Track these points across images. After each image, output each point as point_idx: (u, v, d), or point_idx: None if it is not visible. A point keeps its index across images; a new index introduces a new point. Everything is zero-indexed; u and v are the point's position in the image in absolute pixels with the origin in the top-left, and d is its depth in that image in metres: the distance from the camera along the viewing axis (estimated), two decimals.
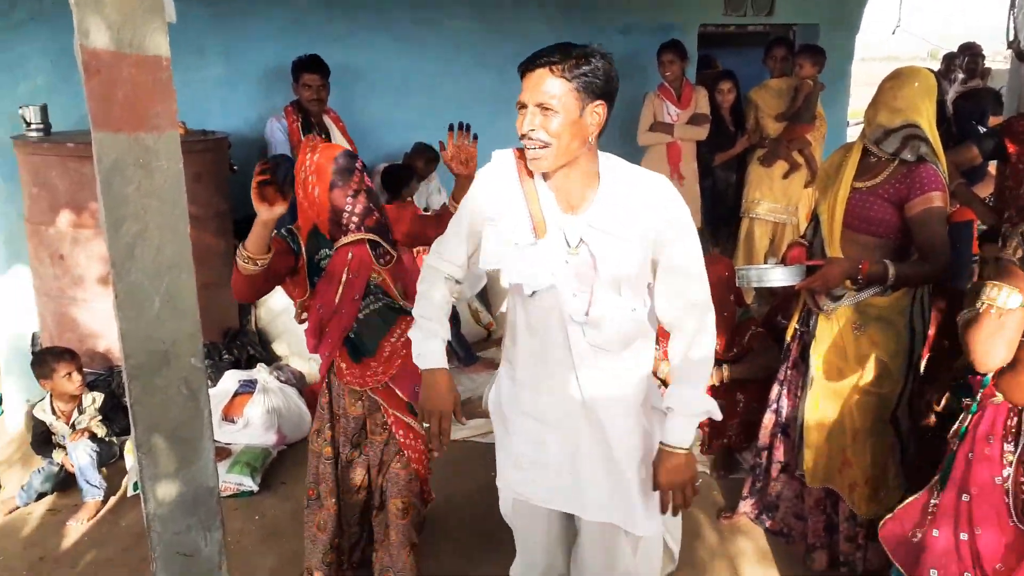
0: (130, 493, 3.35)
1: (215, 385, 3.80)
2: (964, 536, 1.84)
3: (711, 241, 5.48)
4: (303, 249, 2.36)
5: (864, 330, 2.57)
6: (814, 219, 2.79)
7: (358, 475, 2.53)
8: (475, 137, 2.49)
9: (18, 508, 3.30)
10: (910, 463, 2.68)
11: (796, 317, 2.84)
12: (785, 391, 2.86)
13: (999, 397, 1.83)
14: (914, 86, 2.49)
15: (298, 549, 2.94)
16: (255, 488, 3.35)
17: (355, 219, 2.30)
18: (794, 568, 2.84)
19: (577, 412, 1.90)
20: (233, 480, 3.32)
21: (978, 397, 1.87)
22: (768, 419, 2.92)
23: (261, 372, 3.85)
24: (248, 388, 3.73)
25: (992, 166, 3.80)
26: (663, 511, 1.88)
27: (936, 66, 6.39)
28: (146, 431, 1.45)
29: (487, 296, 5.03)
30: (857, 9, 6.79)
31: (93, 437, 3.39)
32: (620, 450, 1.91)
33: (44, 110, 3.83)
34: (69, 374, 3.39)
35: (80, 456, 3.27)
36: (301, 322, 2.50)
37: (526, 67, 1.70)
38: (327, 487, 2.51)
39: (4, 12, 3.94)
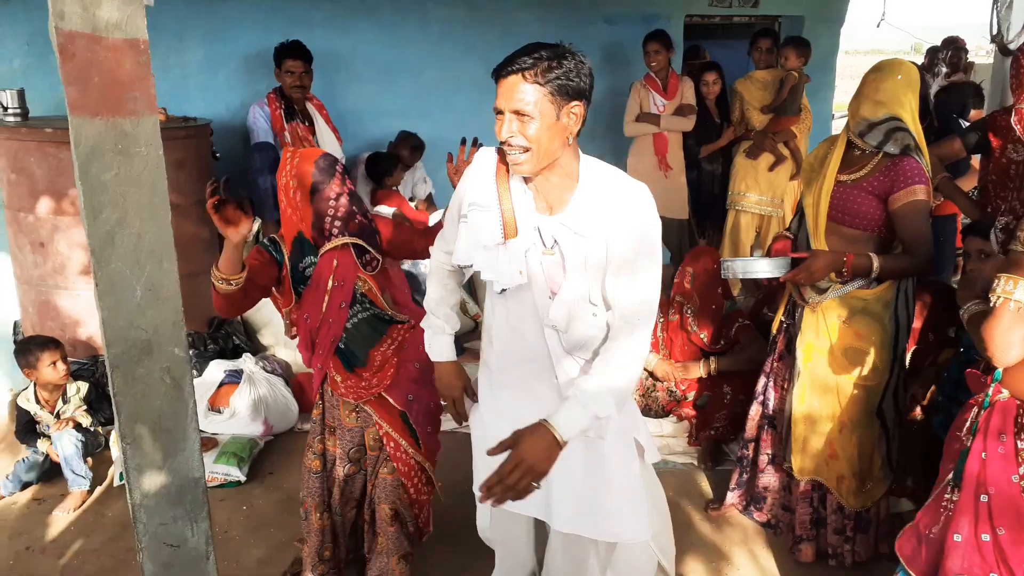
0: (116, 483, 3.32)
1: (200, 375, 3.78)
2: (986, 537, 1.78)
3: (697, 232, 5.50)
4: (287, 258, 2.32)
5: (849, 323, 2.59)
6: (799, 212, 2.80)
7: (356, 490, 2.50)
8: (475, 139, 2.43)
9: (3, 498, 3.26)
10: (895, 455, 2.71)
11: (782, 310, 2.85)
12: (771, 383, 2.88)
13: (1005, 393, 1.79)
14: (896, 79, 2.49)
15: (286, 539, 2.95)
16: (242, 478, 3.33)
17: (338, 224, 2.26)
18: (782, 560, 2.86)
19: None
20: (220, 470, 3.31)
21: (989, 392, 1.84)
22: (755, 411, 2.94)
23: (247, 362, 3.82)
24: (234, 378, 3.71)
25: (975, 160, 3.81)
26: (495, 479, 1.68)
27: (920, 59, 6.41)
28: (129, 421, 1.44)
29: (474, 288, 5.02)
30: (842, 2, 6.81)
31: (78, 427, 3.36)
32: (599, 456, 1.91)
33: (21, 94, 3.78)
34: (54, 363, 3.36)
35: (65, 446, 3.24)
36: (292, 337, 2.46)
37: (499, 73, 1.69)
38: (313, 501, 2.50)
39: None
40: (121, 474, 3.31)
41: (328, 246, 2.26)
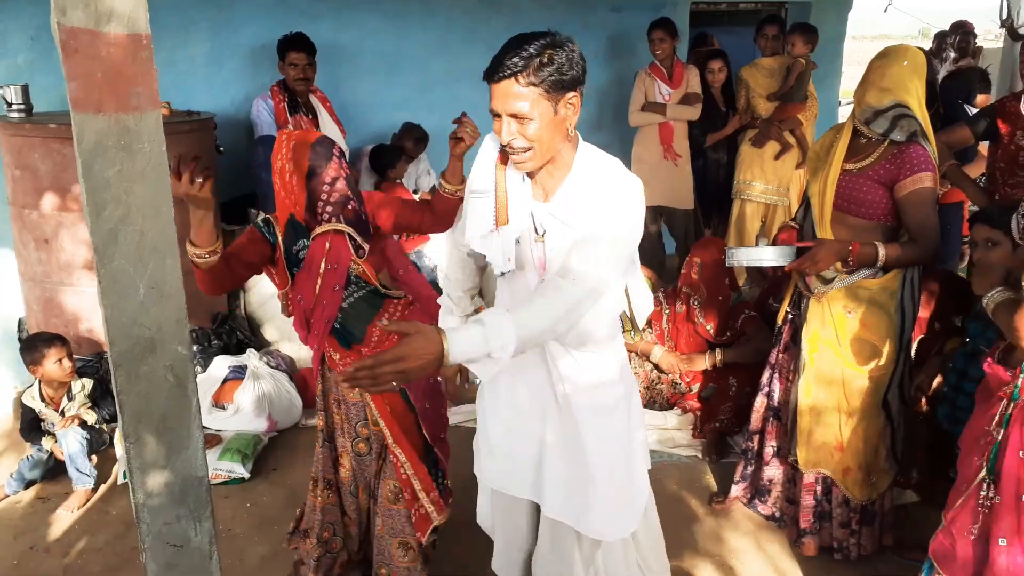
0: (120, 481, 3.33)
1: (204, 371, 3.77)
2: None
3: (703, 222, 5.46)
4: (280, 240, 2.31)
5: (855, 313, 2.56)
6: (805, 201, 2.77)
7: (369, 471, 2.48)
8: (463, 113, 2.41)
9: (7, 496, 3.27)
10: (900, 446, 2.69)
11: (787, 300, 2.83)
12: (777, 375, 2.86)
13: None
14: (902, 65, 2.46)
15: None
16: (246, 475, 3.33)
17: (331, 208, 2.23)
18: (786, 553, 2.85)
19: (551, 406, 1.93)
20: (224, 467, 3.30)
21: (1020, 384, 1.80)
22: (760, 403, 2.92)
23: (251, 357, 3.82)
24: (238, 374, 3.70)
25: (983, 147, 3.77)
26: (370, 362, 1.53)
27: (928, 44, 6.36)
28: (133, 420, 1.43)
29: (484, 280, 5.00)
30: None
31: (83, 424, 3.36)
32: (592, 451, 1.90)
33: (25, 90, 3.76)
34: (60, 360, 3.35)
35: (70, 443, 3.24)
36: (289, 315, 2.46)
37: (490, 77, 1.67)
38: (315, 476, 2.51)
39: None
40: (125, 472, 3.30)
41: (320, 230, 2.23)
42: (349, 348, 2.34)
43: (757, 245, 2.64)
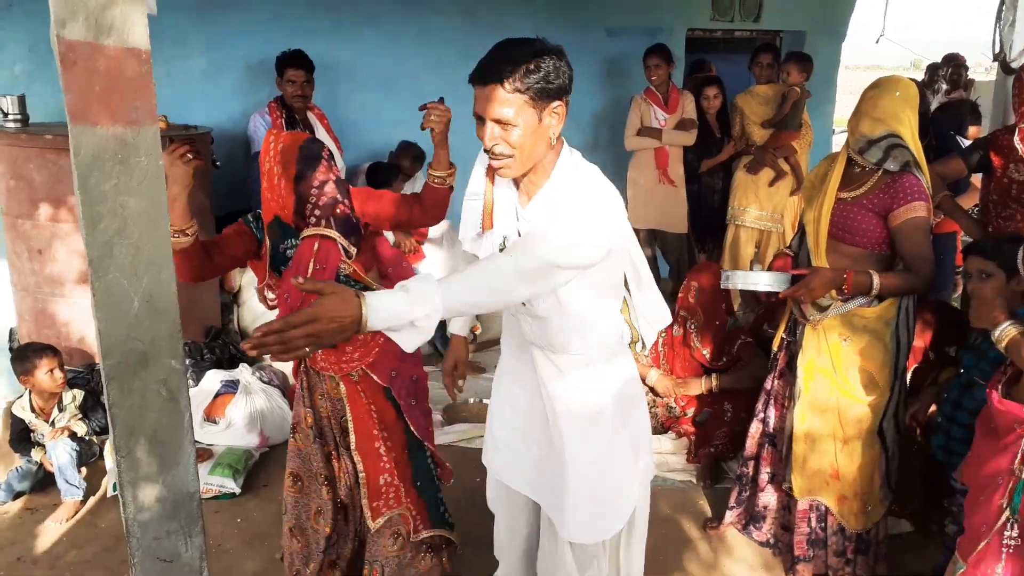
0: (110, 493, 3.30)
1: (197, 384, 3.75)
2: None
3: (697, 247, 5.49)
4: (266, 237, 2.30)
5: (851, 341, 2.58)
6: (800, 229, 2.80)
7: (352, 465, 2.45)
8: (440, 99, 2.40)
9: None
10: (895, 475, 2.70)
11: (783, 327, 2.84)
12: (772, 401, 2.87)
13: None
14: (895, 95, 2.49)
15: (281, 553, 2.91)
16: (237, 490, 3.30)
17: (319, 211, 2.22)
18: None
19: (540, 408, 1.99)
20: (215, 482, 3.28)
21: None
22: (755, 429, 2.93)
23: (244, 372, 3.80)
24: (230, 388, 3.69)
25: (976, 178, 3.81)
26: (278, 324, 1.42)
27: (920, 75, 6.42)
28: (125, 434, 1.42)
29: None
30: (843, 17, 6.83)
31: (73, 436, 3.34)
32: (570, 460, 1.93)
33: (22, 100, 3.76)
34: (51, 371, 3.34)
35: (60, 455, 3.22)
36: (269, 307, 2.45)
37: (475, 80, 1.67)
38: (291, 470, 2.51)
39: None
40: (115, 485, 3.28)
41: (307, 232, 2.22)
42: (333, 346, 2.31)
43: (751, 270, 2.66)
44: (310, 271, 2.22)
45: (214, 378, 3.77)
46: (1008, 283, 2.28)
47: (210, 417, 3.60)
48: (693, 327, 3.65)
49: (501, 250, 1.81)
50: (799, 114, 4.92)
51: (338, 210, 2.24)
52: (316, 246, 2.22)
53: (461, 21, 5.30)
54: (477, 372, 4.47)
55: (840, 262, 2.55)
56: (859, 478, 2.62)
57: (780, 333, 2.84)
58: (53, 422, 3.40)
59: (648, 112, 5.07)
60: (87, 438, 3.42)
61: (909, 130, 2.47)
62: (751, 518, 2.98)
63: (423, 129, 2.31)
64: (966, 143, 4.02)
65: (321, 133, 4.44)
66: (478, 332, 4.94)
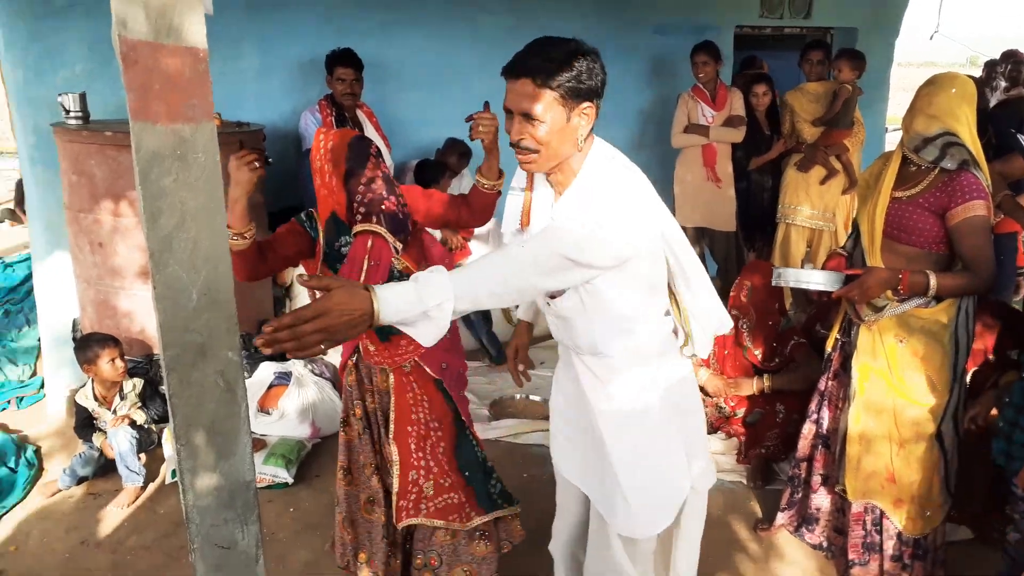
0: (168, 480, 3.39)
1: (250, 376, 3.83)
2: None
3: (745, 245, 5.41)
4: (321, 236, 2.34)
5: (907, 342, 2.53)
6: (854, 230, 2.74)
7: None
8: (486, 104, 2.41)
9: (60, 491, 3.36)
10: (954, 480, 2.64)
11: (837, 327, 2.79)
12: (826, 402, 2.83)
13: None
14: (950, 92, 2.43)
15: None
16: (290, 480, 3.37)
17: (365, 207, 2.25)
18: None
19: (582, 402, 1.99)
20: (268, 472, 3.35)
21: None
22: (808, 430, 2.89)
23: (296, 364, 3.87)
24: (283, 380, 3.76)
25: None
26: (288, 320, 1.43)
27: (976, 72, 6.21)
28: (184, 424, 1.45)
29: None
30: (897, 13, 6.67)
31: (133, 424, 3.44)
32: (612, 455, 1.93)
33: (83, 98, 3.86)
34: (113, 360, 3.45)
35: (121, 442, 3.32)
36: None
37: (508, 73, 1.68)
38: (343, 463, 2.54)
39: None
40: (173, 472, 3.37)
41: (358, 229, 2.25)
42: (387, 340, 2.36)
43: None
44: (364, 267, 2.25)
45: (267, 370, 3.84)
46: None
47: (263, 408, 3.68)
48: (745, 327, 3.61)
49: None
50: (851, 112, 4.82)
51: (385, 206, 2.27)
52: (370, 243, 2.25)
53: (509, 19, 5.31)
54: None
55: (896, 262, 2.50)
56: (916, 482, 2.57)
57: (834, 333, 2.79)
58: (114, 410, 3.51)
59: (695, 109, 5.02)
60: (146, 426, 3.53)
61: (967, 128, 2.41)
62: (803, 520, 2.94)
63: (472, 139, 2.32)
64: None
65: (370, 131, 4.49)
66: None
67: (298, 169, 4.36)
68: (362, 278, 2.26)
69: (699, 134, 4.98)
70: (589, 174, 1.76)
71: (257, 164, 2.16)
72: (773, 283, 2.63)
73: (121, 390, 3.54)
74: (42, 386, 4.30)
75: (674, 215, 5.65)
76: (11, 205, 8.80)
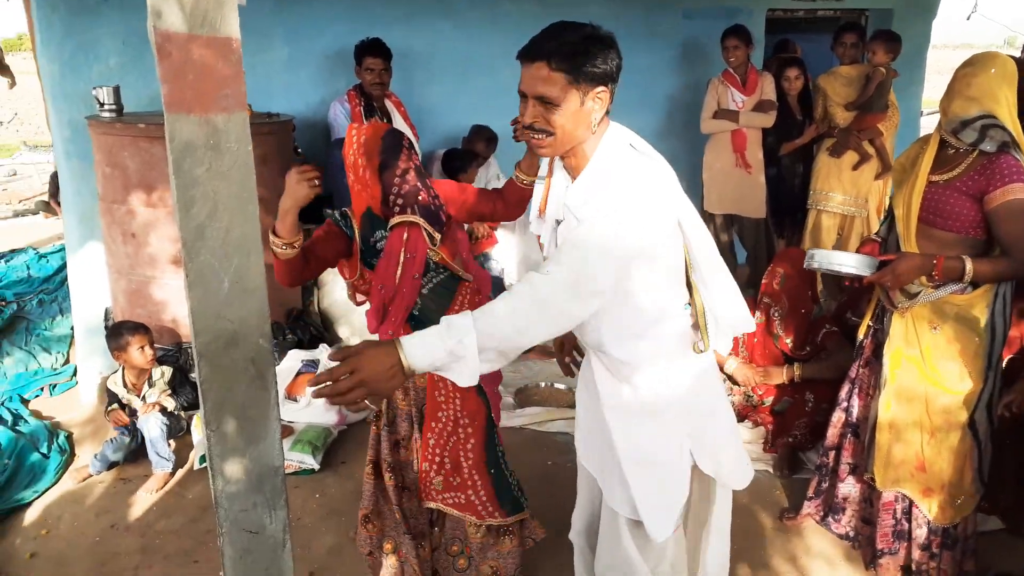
0: (197, 466, 3.45)
1: (278, 364, 3.88)
2: None
3: (775, 232, 5.34)
4: (357, 233, 2.35)
5: (941, 329, 2.47)
6: (889, 215, 2.69)
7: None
8: None
9: (91, 476, 3.42)
10: (987, 469, 2.58)
11: (870, 313, 2.74)
12: (856, 390, 2.78)
13: None
14: (990, 73, 2.36)
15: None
16: (316, 467, 3.41)
17: (403, 199, 2.26)
18: (860, 574, 2.77)
19: (595, 393, 1.96)
20: (295, 458, 3.39)
21: None
22: (837, 418, 2.84)
23: (323, 352, 3.91)
24: (311, 367, 3.80)
25: None
26: (325, 375, 1.53)
27: (1015, 53, 6.06)
28: (215, 409, 1.48)
29: None
30: None
31: (163, 410, 3.50)
32: (620, 447, 1.90)
33: (117, 91, 3.92)
34: (142, 347, 3.51)
35: (151, 428, 3.38)
36: (358, 304, 2.50)
37: (523, 56, 1.68)
38: (372, 458, 2.55)
39: None
40: (201, 458, 3.42)
41: (395, 221, 2.26)
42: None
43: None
44: (401, 260, 2.27)
45: (295, 357, 3.88)
46: None
47: (291, 395, 3.72)
48: (777, 315, 3.57)
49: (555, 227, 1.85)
50: (885, 95, 4.72)
51: (421, 197, 2.29)
52: (406, 236, 2.27)
53: (534, 8, 5.28)
54: (549, 356, 4.48)
55: (931, 247, 2.45)
56: (947, 470, 2.52)
57: (867, 320, 2.74)
58: (144, 397, 3.57)
59: (725, 94, 4.96)
60: (176, 413, 3.59)
61: (1007, 109, 2.35)
62: (830, 509, 2.91)
63: (517, 141, 2.32)
64: None
65: (398, 120, 4.51)
66: None
67: (327, 159, 4.39)
68: (399, 272, 2.27)
69: (728, 119, 4.92)
70: (603, 158, 1.74)
71: (316, 183, 2.19)
72: (805, 265, 2.59)
73: (150, 378, 3.60)
74: (74, 374, 4.39)
75: (702, 202, 5.53)
76: (46, 198, 8.97)
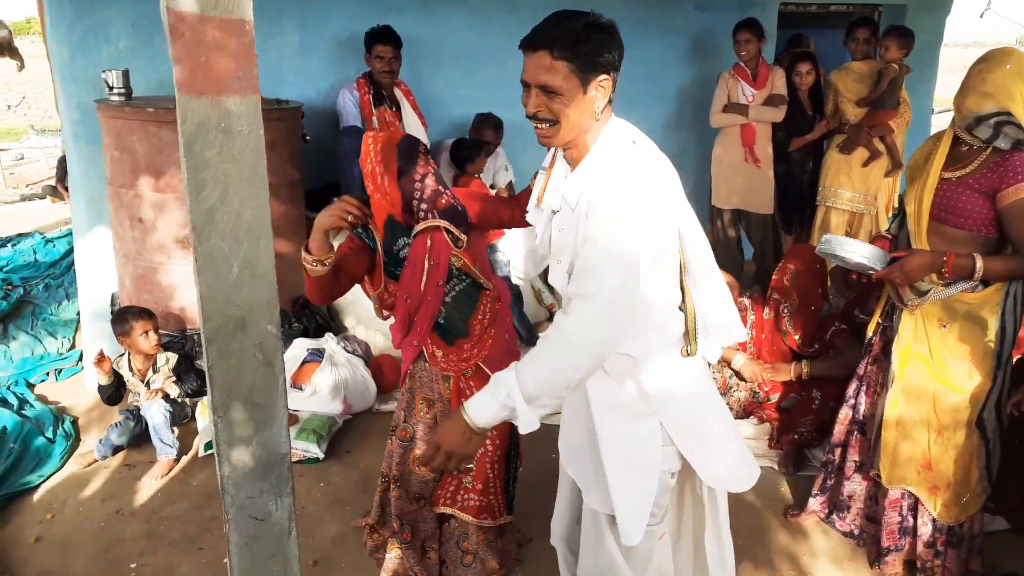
0: (201, 453, 3.45)
1: (284, 352, 3.87)
2: None
3: (783, 228, 5.31)
4: (379, 244, 2.34)
5: (951, 327, 2.46)
6: (900, 212, 2.67)
7: None
8: None
9: (96, 461, 3.43)
10: (995, 468, 2.57)
11: (879, 311, 2.73)
12: (864, 387, 2.77)
13: None
14: (1005, 69, 2.34)
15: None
16: (321, 455, 3.41)
17: (425, 204, 2.27)
18: (864, 572, 2.76)
19: (583, 390, 1.91)
20: (300, 446, 3.39)
21: None
22: (844, 415, 2.83)
23: (329, 341, 3.90)
24: (316, 357, 3.79)
25: None
26: (423, 460, 1.78)
27: None
28: (222, 395, 1.47)
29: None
30: None
31: (167, 397, 3.50)
32: (603, 443, 1.88)
33: (126, 75, 3.90)
34: (146, 332, 3.51)
35: (155, 415, 3.38)
36: (385, 318, 2.49)
37: (525, 46, 1.67)
38: (388, 471, 2.56)
39: None
40: (206, 445, 3.42)
41: (419, 227, 2.27)
42: (452, 344, 2.36)
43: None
44: (426, 268, 2.26)
45: (301, 346, 3.88)
46: None
47: (296, 384, 3.71)
48: (786, 311, 3.54)
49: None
50: (897, 92, 4.69)
51: (443, 200, 2.29)
52: (429, 242, 2.26)
53: (544, 1, 5.25)
54: None
55: (942, 245, 2.43)
56: (952, 468, 2.51)
57: (876, 317, 2.73)
58: (148, 383, 3.57)
59: (735, 88, 4.92)
60: (180, 400, 3.58)
61: (1021, 106, 2.32)
62: (834, 507, 2.90)
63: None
64: None
65: (407, 109, 4.49)
66: (554, 310, 4.94)
67: (335, 146, 4.37)
68: (424, 279, 2.27)
69: (738, 113, 4.89)
70: (603, 148, 1.73)
71: (359, 216, 2.22)
72: (818, 250, 2.57)
73: (155, 364, 3.60)
74: (80, 359, 4.39)
75: (711, 196, 5.50)
76: (53, 182, 8.98)
